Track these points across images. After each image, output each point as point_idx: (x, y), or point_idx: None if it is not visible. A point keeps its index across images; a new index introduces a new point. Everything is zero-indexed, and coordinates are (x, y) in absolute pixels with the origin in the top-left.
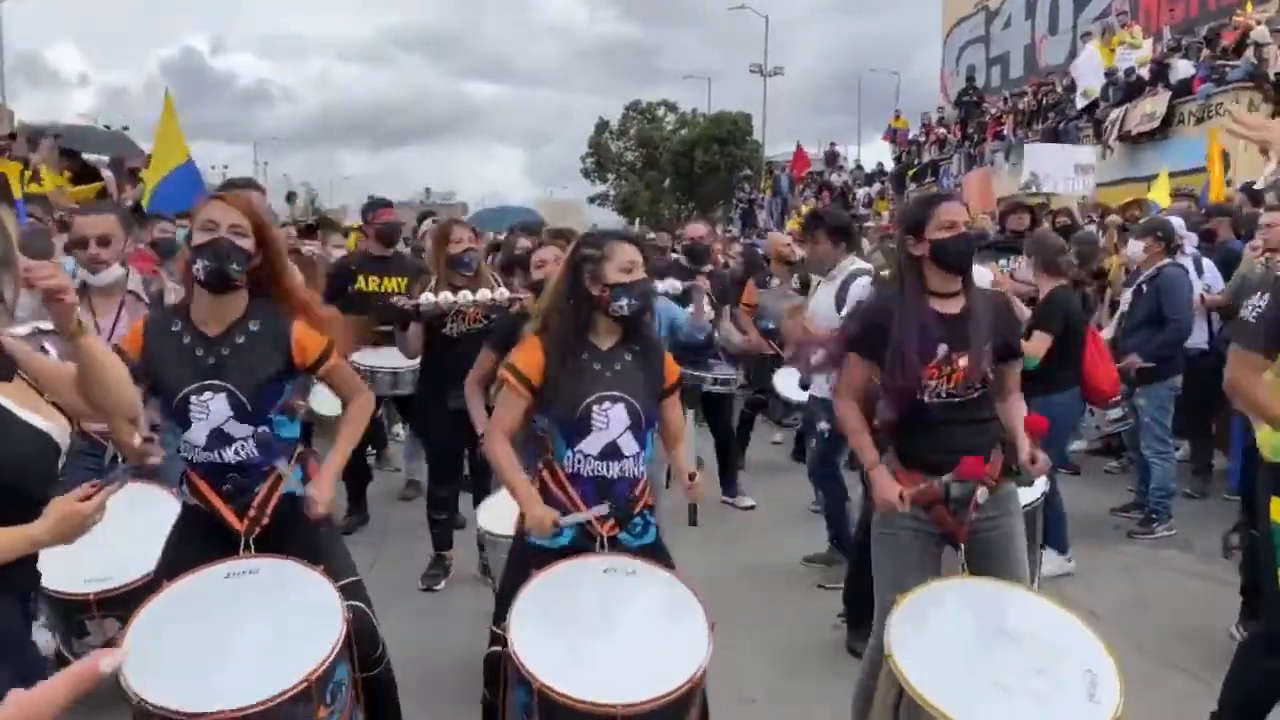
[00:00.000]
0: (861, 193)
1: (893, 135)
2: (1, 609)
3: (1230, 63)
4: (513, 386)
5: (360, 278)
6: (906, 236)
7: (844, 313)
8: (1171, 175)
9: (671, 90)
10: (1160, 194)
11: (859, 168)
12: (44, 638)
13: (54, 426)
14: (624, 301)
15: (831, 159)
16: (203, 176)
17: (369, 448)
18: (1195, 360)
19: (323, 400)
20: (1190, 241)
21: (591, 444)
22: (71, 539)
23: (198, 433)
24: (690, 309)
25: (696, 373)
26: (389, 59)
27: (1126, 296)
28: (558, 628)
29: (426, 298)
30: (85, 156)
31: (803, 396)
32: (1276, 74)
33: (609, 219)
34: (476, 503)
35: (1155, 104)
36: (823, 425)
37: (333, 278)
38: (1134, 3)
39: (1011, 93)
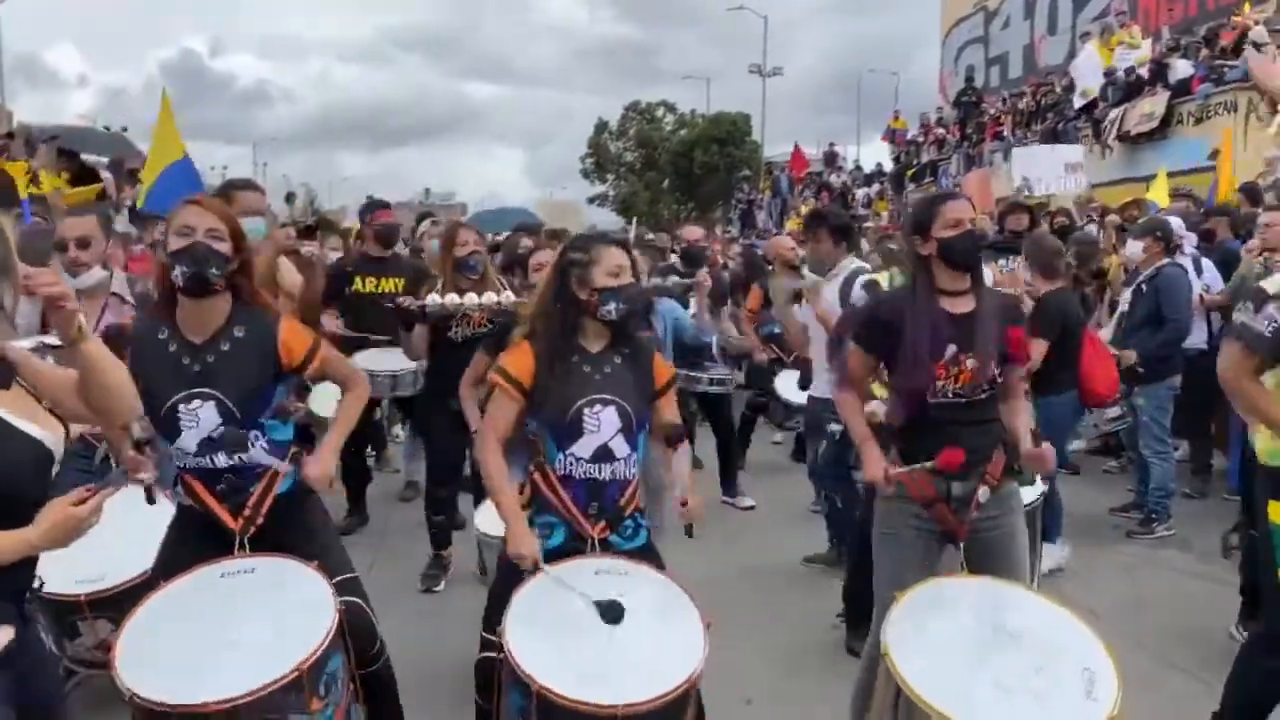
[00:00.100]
0: (860, 193)
1: (892, 136)
2: None
3: (1229, 63)
4: (504, 390)
5: (358, 279)
6: (913, 236)
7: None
8: (1170, 175)
9: (671, 91)
10: (1159, 194)
11: (858, 168)
12: None
13: (49, 435)
14: (612, 305)
15: (830, 159)
16: (199, 174)
17: (369, 449)
18: (1194, 360)
19: (321, 403)
20: (1190, 241)
21: (583, 447)
22: (65, 543)
23: (188, 441)
24: (692, 309)
25: (693, 373)
26: (388, 59)
27: (1126, 296)
28: (553, 630)
29: (433, 299)
30: (84, 158)
31: (803, 399)
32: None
33: (608, 220)
34: (477, 503)
35: (1154, 104)
36: (833, 426)
37: (331, 279)
38: (1133, 3)
39: (1010, 93)
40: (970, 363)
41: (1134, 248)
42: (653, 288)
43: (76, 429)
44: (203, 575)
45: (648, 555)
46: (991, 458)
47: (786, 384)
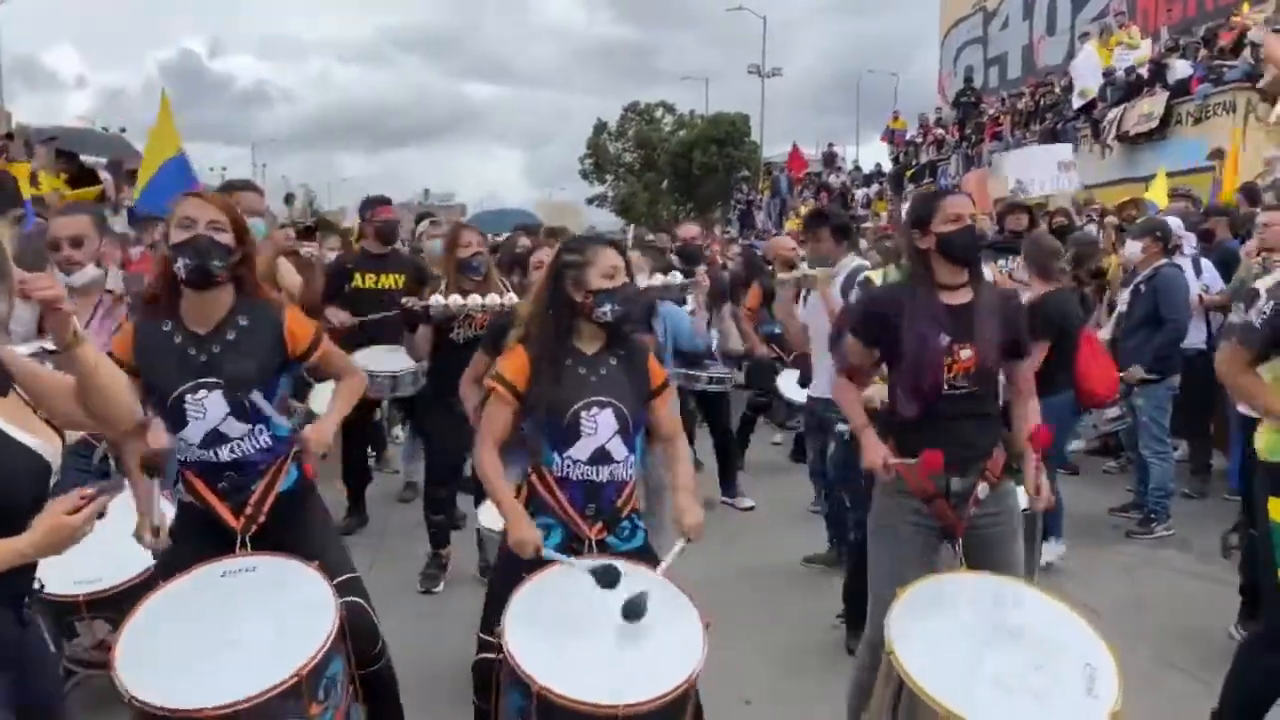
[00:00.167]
0: (860, 193)
1: (891, 136)
2: None
3: (1228, 63)
4: (500, 395)
5: (358, 275)
6: (913, 231)
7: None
8: (1169, 175)
9: (669, 91)
10: (1158, 194)
11: (857, 169)
12: None
13: (45, 445)
14: (607, 307)
15: (830, 160)
16: (194, 169)
17: (369, 449)
18: (1193, 360)
19: (322, 403)
20: (1189, 242)
21: (581, 449)
22: (59, 551)
23: (194, 432)
24: (689, 305)
25: (692, 372)
26: (388, 60)
27: (1124, 297)
28: (552, 631)
29: (436, 300)
30: (83, 159)
31: (805, 397)
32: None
33: (607, 220)
34: (477, 503)
35: (1153, 104)
36: (841, 427)
37: (331, 276)
38: (1131, 3)
39: (1009, 93)
40: (965, 353)
41: (1132, 248)
42: (657, 288)
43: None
44: (203, 574)
45: (645, 556)
46: (991, 454)
47: (788, 383)
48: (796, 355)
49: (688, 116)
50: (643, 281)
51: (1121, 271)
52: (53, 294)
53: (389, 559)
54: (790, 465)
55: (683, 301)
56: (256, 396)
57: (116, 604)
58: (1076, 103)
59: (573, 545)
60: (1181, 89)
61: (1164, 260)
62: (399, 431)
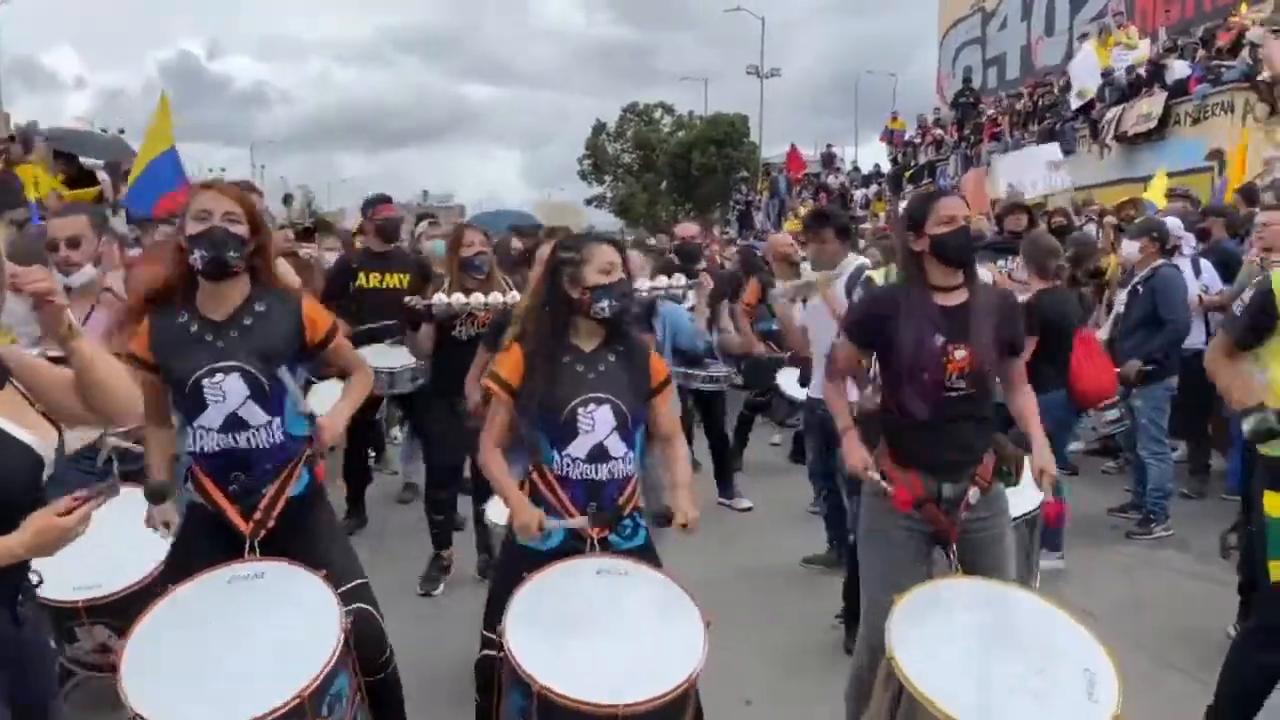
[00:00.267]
0: (858, 194)
1: (889, 136)
2: None
3: (1226, 63)
4: (497, 395)
5: (361, 274)
6: (907, 233)
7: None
8: (1168, 175)
9: (668, 92)
10: (1156, 194)
11: (856, 169)
12: None
13: (37, 440)
14: (605, 303)
15: (828, 160)
16: (183, 165)
17: (369, 450)
18: (1191, 361)
19: (323, 404)
20: (1188, 242)
21: (579, 447)
22: (50, 552)
23: (213, 416)
24: (689, 301)
25: (690, 370)
26: (387, 60)
27: (1121, 297)
28: (553, 630)
29: (439, 298)
30: (82, 160)
31: (805, 396)
32: (1272, 74)
33: (606, 221)
34: (477, 503)
35: (1151, 104)
36: None
37: (334, 275)
38: (1130, 3)
39: (1008, 94)
40: (960, 354)
41: (1129, 248)
42: (661, 288)
43: (77, 436)
44: (210, 580)
45: (646, 554)
46: (982, 459)
47: (788, 380)
48: (794, 354)
49: (686, 117)
50: (645, 283)
51: (1120, 272)
52: (45, 287)
53: (388, 560)
54: (789, 466)
55: (682, 300)
56: (283, 371)
57: (116, 610)
58: (1075, 103)
59: (575, 544)
60: (1180, 89)
61: (1161, 260)
62: (397, 432)
